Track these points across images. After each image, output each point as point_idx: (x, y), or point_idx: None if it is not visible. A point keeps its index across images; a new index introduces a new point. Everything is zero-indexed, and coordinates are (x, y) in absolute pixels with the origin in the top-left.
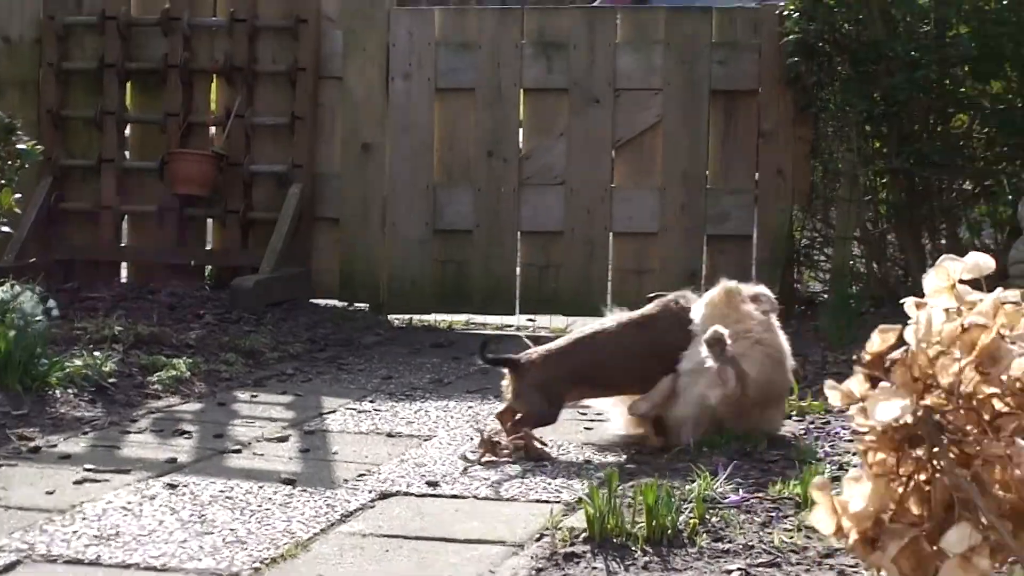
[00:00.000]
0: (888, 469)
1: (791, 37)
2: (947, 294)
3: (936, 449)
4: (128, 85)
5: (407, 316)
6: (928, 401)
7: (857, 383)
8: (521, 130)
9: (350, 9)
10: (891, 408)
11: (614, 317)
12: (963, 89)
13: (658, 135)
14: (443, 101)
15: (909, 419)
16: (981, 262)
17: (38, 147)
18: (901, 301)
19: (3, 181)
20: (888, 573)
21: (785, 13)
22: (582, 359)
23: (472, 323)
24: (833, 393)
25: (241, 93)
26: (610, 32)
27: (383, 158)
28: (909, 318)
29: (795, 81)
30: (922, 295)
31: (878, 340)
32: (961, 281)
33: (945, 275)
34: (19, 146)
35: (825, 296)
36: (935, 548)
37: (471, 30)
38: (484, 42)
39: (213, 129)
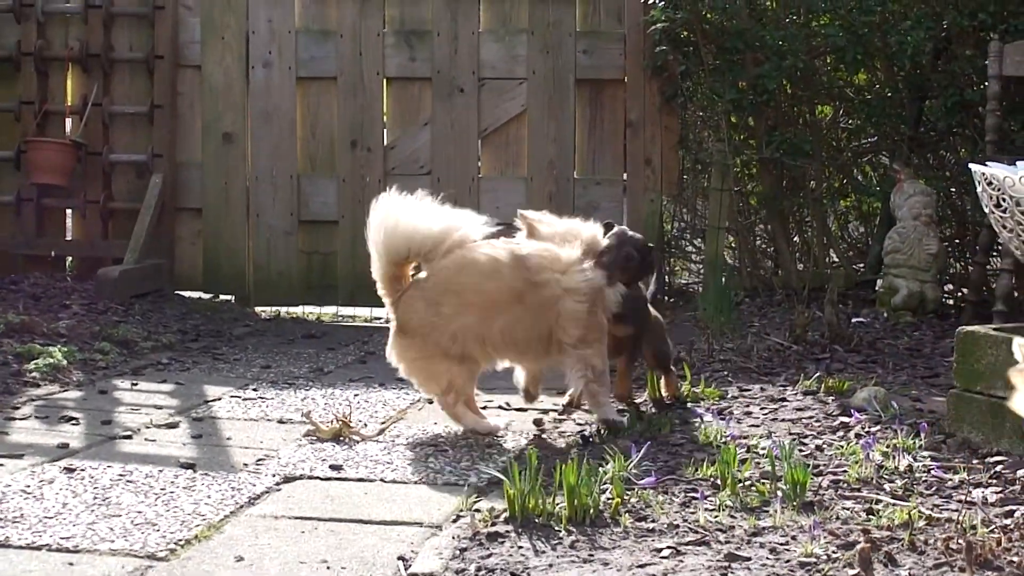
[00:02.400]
0: None
1: (658, 26)
2: None
3: None
4: None
5: (274, 308)
6: None
7: None
8: (385, 119)
9: None
10: None
11: None
12: (828, 79)
13: (524, 125)
14: (305, 90)
15: None
16: None
17: None
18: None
19: None
20: None
21: (650, 2)
22: None
23: (341, 315)
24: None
25: (98, 81)
26: (473, 20)
27: (245, 147)
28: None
29: (661, 70)
30: (794, 286)
31: None
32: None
33: None
34: None
35: (697, 287)
36: None
37: (331, 18)
38: (345, 30)
39: (70, 119)
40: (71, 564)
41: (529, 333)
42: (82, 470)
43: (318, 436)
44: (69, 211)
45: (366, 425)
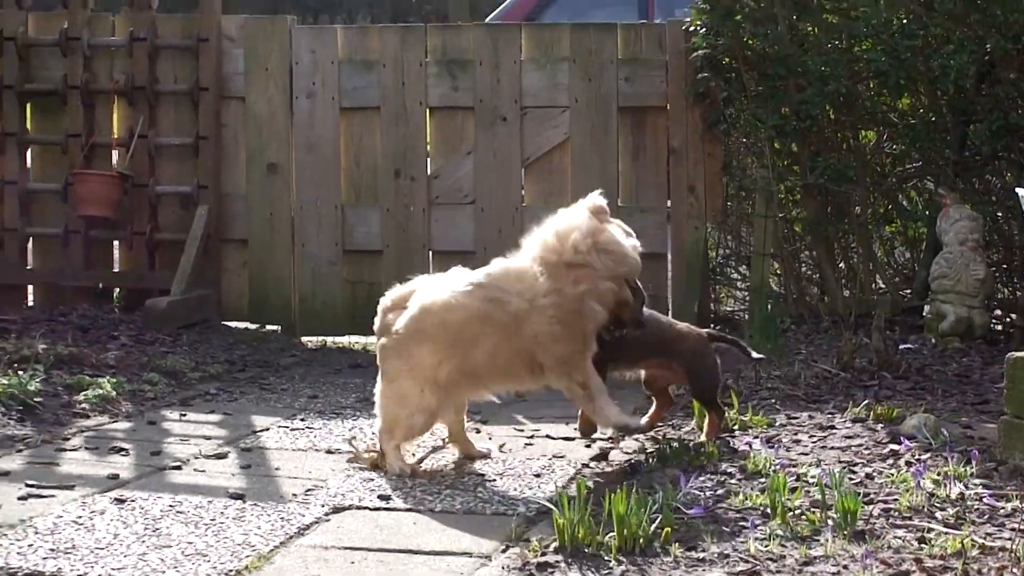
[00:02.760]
0: None
1: (700, 53)
2: None
3: None
4: (27, 106)
5: (320, 338)
6: None
7: None
8: (428, 149)
9: (251, 28)
10: None
11: None
12: (871, 104)
13: (567, 153)
14: (348, 120)
15: None
16: None
17: None
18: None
19: None
20: None
21: (691, 29)
22: None
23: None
24: None
25: (144, 113)
26: (514, 49)
27: (289, 178)
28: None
29: (703, 97)
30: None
31: None
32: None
33: None
34: None
35: (743, 314)
36: None
37: (374, 48)
38: (388, 60)
39: (116, 151)
40: None
41: (511, 359)
42: (132, 501)
43: (359, 463)
44: (116, 243)
45: (413, 454)
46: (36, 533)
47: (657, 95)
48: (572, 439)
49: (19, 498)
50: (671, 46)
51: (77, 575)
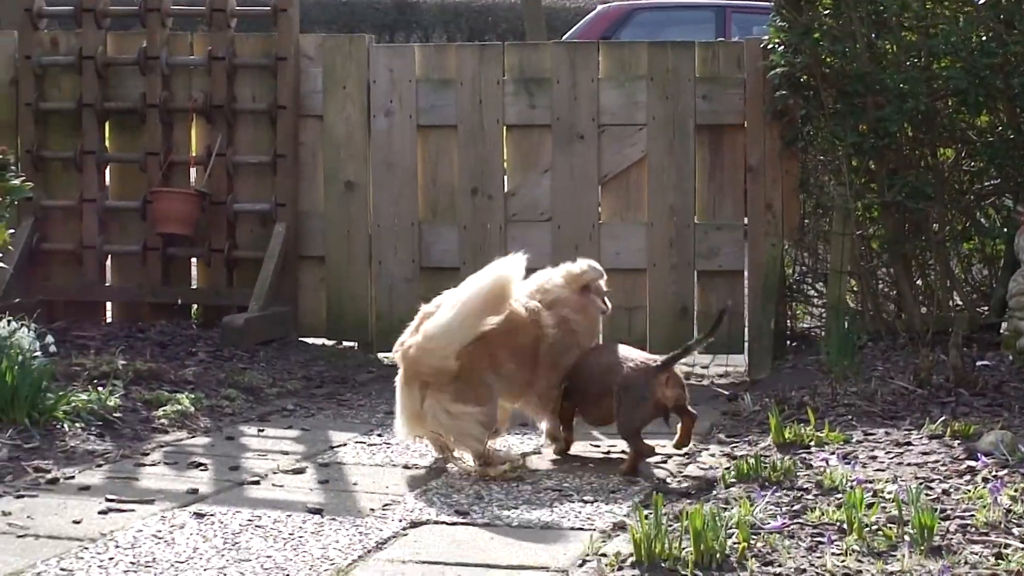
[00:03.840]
0: None
1: (778, 70)
2: None
3: None
4: (107, 125)
5: None
6: None
7: None
8: (505, 167)
9: (329, 47)
10: None
11: None
12: (950, 122)
13: (644, 170)
14: (425, 138)
15: None
16: None
17: (27, 184)
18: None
19: None
20: None
21: (769, 46)
22: None
23: None
24: None
25: (222, 131)
26: (592, 67)
27: (367, 196)
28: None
29: (781, 115)
30: (917, 329)
31: None
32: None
33: None
34: (13, 182)
35: (819, 331)
36: None
37: (451, 67)
38: (465, 78)
39: (194, 169)
40: None
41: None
42: (212, 515)
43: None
44: (194, 260)
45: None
46: (117, 547)
47: (735, 113)
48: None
49: (99, 512)
50: (749, 64)
51: None
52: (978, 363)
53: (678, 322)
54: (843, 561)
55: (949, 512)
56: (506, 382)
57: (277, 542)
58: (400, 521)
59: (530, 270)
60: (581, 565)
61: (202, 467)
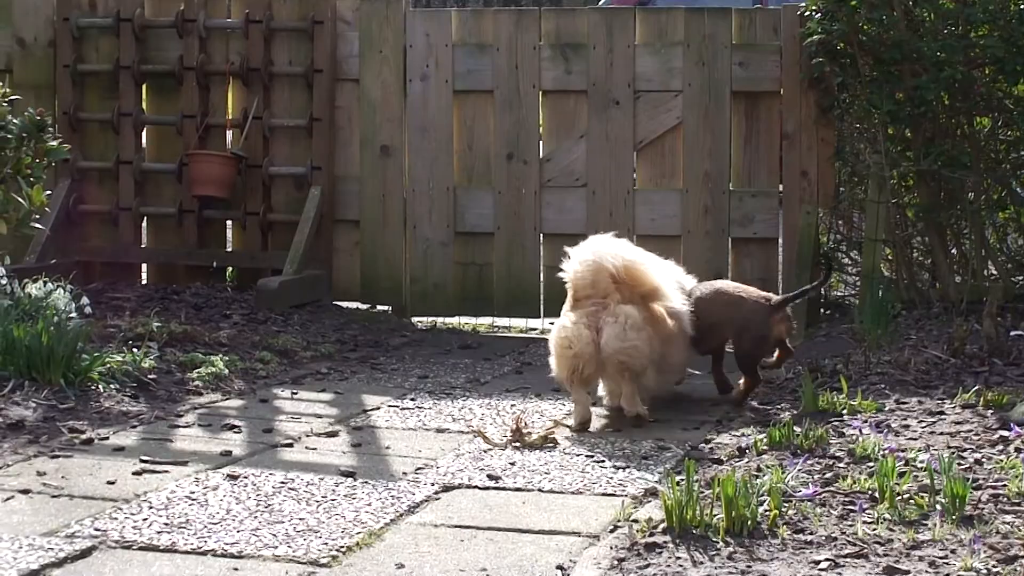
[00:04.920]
0: None
1: (814, 38)
2: None
3: None
4: (144, 87)
5: (431, 318)
6: None
7: None
8: (541, 132)
9: (366, 11)
10: None
11: None
12: (987, 90)
13: (679, 137)
14: (461, 103)
15: None
16: None
17: (65, 145)
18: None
19: (33, 179)
20: None
21: (806, 14)
22: None
23: (496, 326)
24: None
25: (258, 95)
26: (628, 33)
27: (402, 160)
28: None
29: (817, 82)
30: (951, 299)
31: None
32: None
33: None
34: (50, 143)
35: (853, 299)
36: None
37: (488, 31)
38: (501, 43)
39: (230, 132)
40: (236, 569)
41: None
42: (244, 477)
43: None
44: (229, 222)
45: (530, 434)
46: (150, 508)
47: (771, 80)
48: (680, 420)
49: (134, 473)
50: (785, 31)
51: (191, 549)
52: (1012, 333)
53: None
54: (874, 529)
55: (981, 482)
56: None
57: (310, 504)
58: (432, 485)
59: (566, 236)
60: (612, 531)
61: (235, 429)
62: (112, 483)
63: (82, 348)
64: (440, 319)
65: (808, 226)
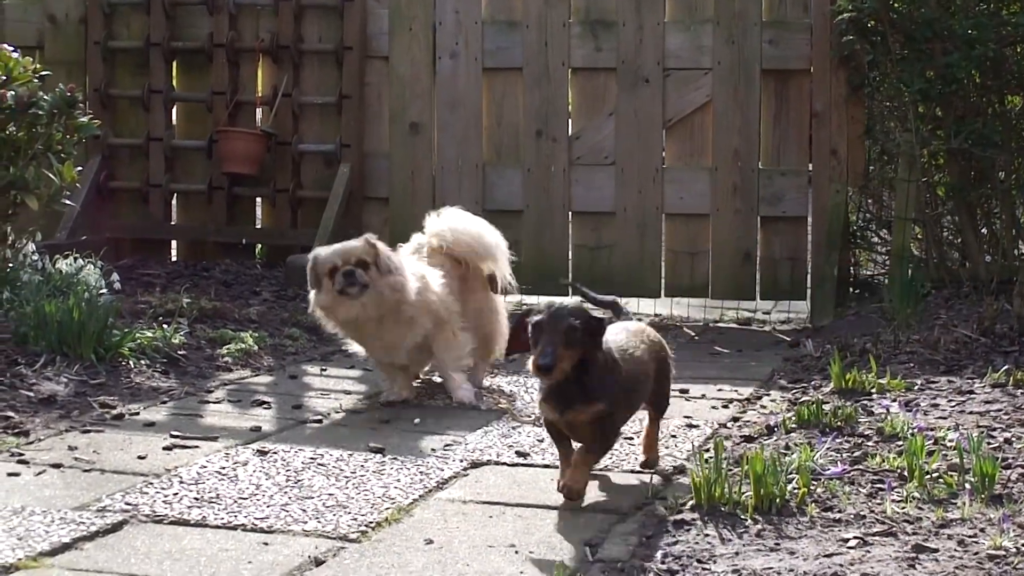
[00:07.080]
0: None
1: (845, 15)
2: None
3: None
4: (174, 64)
5: None
6: None
7: None
8: (570, 110)
9: None
10: None
11: None
12: (1018, 68)
13: (708, 115)
14: (490, 80)
15: None
16: None
17: (95, 122)
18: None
19: (63, 155)
20: None
21: None
22: None
23: (524, 304)
24: None
25: (288, 72)
26: (658, 11)
27: (431, 137)
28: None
29: (848, 60)
30: (981, 278)
31: None
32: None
33: None
34: (81, 120)
35: (882, 278)
36: None
37: (517, 8)
38: (531, 21)
39: (260, 109)
40: (265, 544)
41: None
42: (274, 453)
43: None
44: (259, 199)
45: None
46: (181, 483)
47: (801, 58)
48: (708, 399)
49: (164, 448)
50: (815, 8)
51: (221, 524)
52: None
53: (741, 267)
54: (903, 508)
55: (1010, 461)
56: None
57: (339, 480)
58: (461, 461)
59: (595, 214)
60: (641, 508)
61: (265, 405)
62: (143, 458)
63: (112, 324)
64: None
65: (837, 205)
